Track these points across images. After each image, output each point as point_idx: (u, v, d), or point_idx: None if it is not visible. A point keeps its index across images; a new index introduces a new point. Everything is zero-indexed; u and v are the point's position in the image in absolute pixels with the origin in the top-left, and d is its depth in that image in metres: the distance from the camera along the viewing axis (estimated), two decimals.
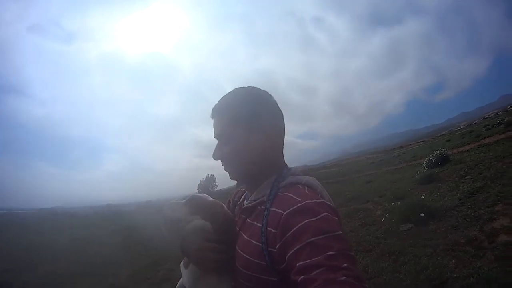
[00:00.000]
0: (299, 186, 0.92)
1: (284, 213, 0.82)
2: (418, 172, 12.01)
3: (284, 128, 1.05)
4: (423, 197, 7.38)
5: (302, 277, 0.67)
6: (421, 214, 5.83)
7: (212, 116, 1.05)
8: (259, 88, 1.05)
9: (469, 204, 5.98)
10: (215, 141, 1.06)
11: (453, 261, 3.83)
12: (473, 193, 6.57)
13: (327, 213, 0.79)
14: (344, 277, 0.63)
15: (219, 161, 1.05)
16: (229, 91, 1.05)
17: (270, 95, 1.05)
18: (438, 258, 4.01)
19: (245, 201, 1.06)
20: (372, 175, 19.02)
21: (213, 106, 1.05)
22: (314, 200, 0.83)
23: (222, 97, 1.04)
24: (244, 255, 0.91)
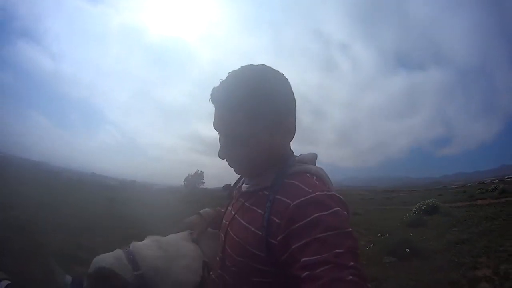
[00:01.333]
0: (308, 175, 0.86)
1: (292, 204, 0.75)
2: (407, 214, 12.20)
3: (295, 114, 0.92)
4: (411, 234, 7.49)
5: (306, 273, 0.64)
6: (406, 250, 5.96)
7: (215, 107, 0.89)
8: (270, 68, 0.89)
9: (454, 251, 6.12)
10: (215, 140, 0.94)
11: None
12: (458, 243, 6.72)
13: (338, 208, 0.74)
14: (351, 276, 0.61)
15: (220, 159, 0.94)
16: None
17: (282, 75, 0.90)
18: None
19: (244, 184, 0.99)
20: (360, 209, 19.10)
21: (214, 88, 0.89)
22: (325, 192, 0.77)
23: (225, 80, 0.87)
24: (238, 240, 0.86)
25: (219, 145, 0.91)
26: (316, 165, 0.94)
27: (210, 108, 0.89)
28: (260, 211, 0.83)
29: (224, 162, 0.94)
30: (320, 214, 0.70)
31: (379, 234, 7.92)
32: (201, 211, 1.25)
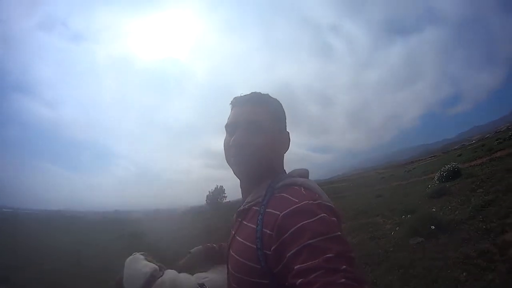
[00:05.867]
0: (296, 187, 0.91)
1: (281, 214, 0.81)
2: (429, 186, 11.87)
3: None
4: (434, 210, 7.24)
5: (300, 280, 0.66)
6: (431, 227, 5.74)
7: (244, 104, 1.04)
8: None
9: (480, 217, 5.86)
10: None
11: (464, 274, 3.73)
12: (484, 206, 6.44)
13: (324, 214, 0.78)
14: (343, 279, 0.63)
15: (230, 154, 1.02)
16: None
17: None
18: (449, 271, 3.92)
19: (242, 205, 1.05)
20: (382, 189, 18.80)
21: (237, 97, 1.07)
22: (311, 201, 0.82)
23: (254, 92, 1.06)
24: (237, 257, 0.90)
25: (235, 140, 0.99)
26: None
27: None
28: (253, 225, 0.88)
29: None
30: (306, 221, 0.75)
31: (403, 216, 7.65)
32: (192, 250, 1.35)
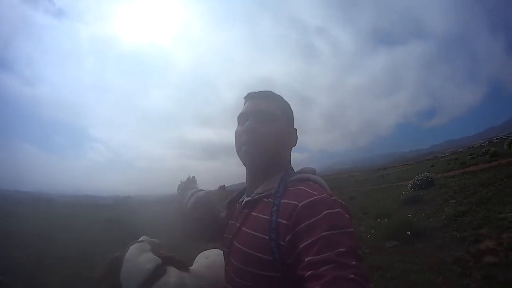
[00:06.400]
0: (310, 182, 0.91)
1: (300, 204, 0.80)
2: (403, 192, 12.21)
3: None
4: (410, 215, 7.45)
5: (310, 272, 0.66)
6: (407, 232, 5.89)
7: (256, 97, 1.07)
8: None
9: (454, 226, 6.08)
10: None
11: (440, 278, 3.87)
12: (458, 216, 6.69)
13: (341, 209, 0.78)
14: (353, 275, 0.63)
15: (239, 139, 1.01)
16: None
17: None
18: (426, 274, 4.05)
19: (246, 197, 1.03)
20: (355, 192, 19.18)
21: (249, 92, 1.10)
22: (329, 196, 0.82)
23: (264, 90, 1.09)
24: (245, 249, 0.88)
25: (248, 129, 1.00)
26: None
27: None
28: (265, 216, 0.86)
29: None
30: (324, 212, 0.75)
31: (378, 219, 7.83)
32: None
